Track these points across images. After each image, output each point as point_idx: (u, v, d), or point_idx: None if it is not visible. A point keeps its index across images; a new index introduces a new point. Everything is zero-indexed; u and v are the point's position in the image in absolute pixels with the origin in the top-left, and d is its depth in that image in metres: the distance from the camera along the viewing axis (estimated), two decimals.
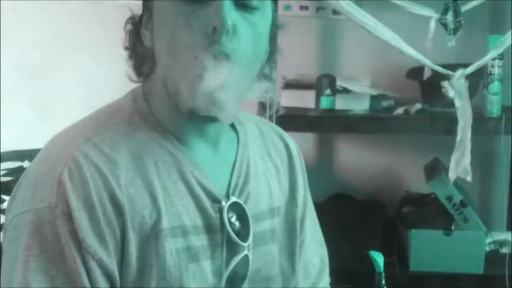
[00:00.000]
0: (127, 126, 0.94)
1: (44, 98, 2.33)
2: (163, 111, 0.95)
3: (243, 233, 0.98)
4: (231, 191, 0.99)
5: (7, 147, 2.15)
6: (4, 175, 2.08)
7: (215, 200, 0.96)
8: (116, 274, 0.88)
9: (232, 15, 0.89)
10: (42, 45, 2.32)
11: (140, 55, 0.98)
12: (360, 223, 2.19)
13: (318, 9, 2.29)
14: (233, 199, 0.98)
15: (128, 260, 0.89)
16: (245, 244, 0.97)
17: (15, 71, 2.33)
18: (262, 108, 1.96)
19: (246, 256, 0.98)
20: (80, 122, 0.98)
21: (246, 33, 0.91)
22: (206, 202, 0.96)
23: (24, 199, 0.90)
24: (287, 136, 1.17)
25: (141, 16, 0.98)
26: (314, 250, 1.17)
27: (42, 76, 2.33)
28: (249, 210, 1.00)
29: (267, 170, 1.07)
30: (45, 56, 2.32)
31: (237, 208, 0.98)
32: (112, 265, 0.87)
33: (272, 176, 1.08)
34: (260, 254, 1.01)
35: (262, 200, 1.04)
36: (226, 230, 0.96)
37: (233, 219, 0.97)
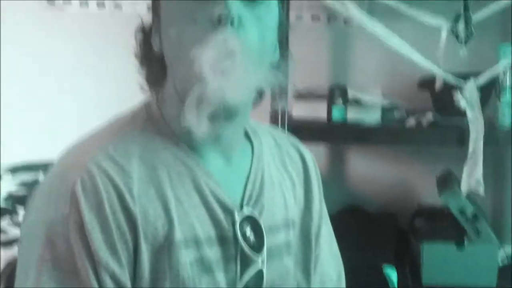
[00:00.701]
0: (140, 135, 0.94)
1: (59, 109, 2.35)
2: (176, 120, 0.94)
3: (257, 245, 0.97)
4: (245, 202, 0.98)
5: (22, 159, 2.18)
6: (19, 187, 2.10)
7: (228, 211, 0.96)
8: (128, 286, 0.87)
9: (237, 4, 0.89)
10: (54, 55, 2.34)
11: (151, 63, 0.98)
12: (372, 235, 2.18)
13: (330, 19, 2.30)
14: (247, 210, 0.98)
15: (141, 272, 0.88)
16: (259, 257, 0.97)
17: (30, 81, 2.35)
18: (274, 118, 1.96)
19: (260, 269, 0.97)
20: (93, 132, 0.98)
21: (252, 24, 0.91)
22: (220, 213, 0.95)
23: (38, 211, 0.90)
24: (303, 147, 1.16)
25: (151, 25, 0.99)
26: (331, 264, 1.16)
27: (55, 86, 2.35)
28: (263, 222, 0.99)
29: (282, 181, 1.07)
30: (57, 66, 2.35)
31: (251, 220, 0.98)
32: (125, 277, 0.87)
33: (287, 188, 1.07)
34: (275, 267, 1.00)
35: (277, 212, 1.03)
36: (239, 242, 0.95)
37: (248, 232, 0.97)
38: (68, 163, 0.92)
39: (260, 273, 0.97)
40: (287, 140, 1.15)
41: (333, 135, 2.06)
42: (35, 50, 2.33)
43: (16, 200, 2.05)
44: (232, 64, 0.86)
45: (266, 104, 2.10)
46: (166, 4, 0.94)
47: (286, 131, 1.96)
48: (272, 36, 0.96)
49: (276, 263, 1.01)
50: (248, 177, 1.01)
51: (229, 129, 0.97)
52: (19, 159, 2.17)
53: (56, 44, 2.32)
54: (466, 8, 1.85)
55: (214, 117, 0.90)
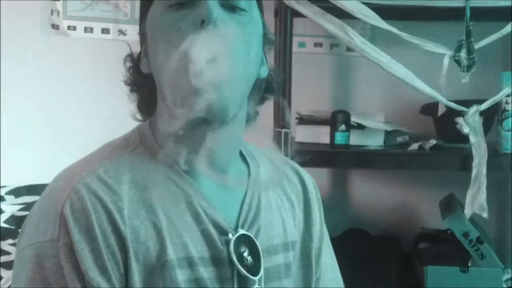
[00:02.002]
0: (132, 158, 0.95)
1: (62, 131, 2.36)
2: (169, 142, 0.95)
3: (255, 266, 0.97)
4: (240, 224, 0.98)
5: (24, 181, 2.19)
6: (22, 209, 2.10)
7: (222, 232, 0.96)
8: None
9: (219, 10, 0.91)
10: (58, 80, 2.35)
11: (142, 88, 0.99)
12: (375, 259, 2.18)
13: (332, 46, 2.31)
14: (241, 231, 0.97)
15: None
16: (256, 278, 0.96)
17: (32, 104, 2.36)
18: (277, 143, 1.97)
19: None
20: (87, 156, 0.99)
21: (236, 28, 0.91)
22: (214, 234, 0.95)
23: (28, 234, 0.90)
24: (302, 170, 1.16)
25: (139, 52, 1.00)
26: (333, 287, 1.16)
27: (59, 110, 2.36)
28: (260, 243, 0.99)
29: (280, 204, 1.07)
30: (62, 90, 2.36)
31: (248, 241, 0.97)
32: None
33: (286, 210, 1.07)
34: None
35: (275, 234, 1.03)
36: (234, 263, 0.95)
37: (245, 253, 0.96)
38: (58, 185, 0.91)
39: None
40: (286, 163, 1.15)
41: (335, 160, 2.06)
42: (39, 75, 2.34)
43: (19, 222, 2.05)
44: (218, 60, 0.87)
45: (269, 129, 2.13)
46: (151, 20, 0.95)
47: (289, 155, 1.96)
48: (257, 46, 0.97)
49: (275, 285, 1.00)
50: (244, 199, 1.01)
51: (220, 146, 0.96)
52: (21, 181, 2.18)
53: (60, 69, 2.33)
54: (468, 36, 1.85)
55: (203, 124, 0.91)
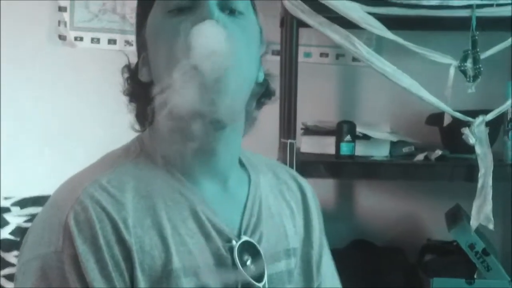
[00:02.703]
0: (134, 167, 0.94)
1: (69, 141, 2.36)
2: (170, 150, 0.95)
3: (258, 273, 0.97)
4: (242, 230, 0.98)
5: (30, 192, 2.19)
6: (27, 221, 2.10)
7: (226, 239, 0.95)
8: None
9: (220, 14, 0.92)
10: (66, 90, 2.36)
11: (140, 98, 0.99)
12: (381, 270, 2.17)
13: (338, 56, 2.32)
14: (245, 238, 0.97)
15: None
16: (260, 285, 0.96)
17: (39, 114, 2.37)
18: (283, 153, 1.97)
19: None
20: (88, 166, 0.98)
21: (236, 31, 0.92)
22: (218, 241, 0.95)
23: (31, 245, 0.89)
24: (301, 178, 1.17)
25: (137, 62, 1.01)
26: None
27: (65, 120, 2.37)
28: (263, 250, 0.99)
29: (281, 211, 1.07)
30: (69, 101, 2.37)
31: (251, 248, 0.97)
32: None
33: (287, 217, 1.08)
34: None
35: (277, 241, 1.03)
36: (239, 269, 0.95)
37: (248, 260, 0.96)
38: (61, 196, 0.91)
39: None
40: (285, 171, 1.15)
41: (341, 170, 2.05)
42: (47, 85, 2.35)
43: (24, 233, 2.05)
44: (223, 54, 0.87)
45: (275, 139, 2.13)
46: (151, 27, 0.96)
47: (295, 166, 1.96)
48: (257, 50, 0.98)
49: None
50: (245, 206, 1.01)
51: (221, 150, 0.97)
52: (27, 192, 2.18)
53: (68, 79, 2.34)
54: (474, 46, 1.85)
55: (204, 128, 0.91)
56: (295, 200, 1.11)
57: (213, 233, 0.94)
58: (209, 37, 0.87)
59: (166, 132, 0.93)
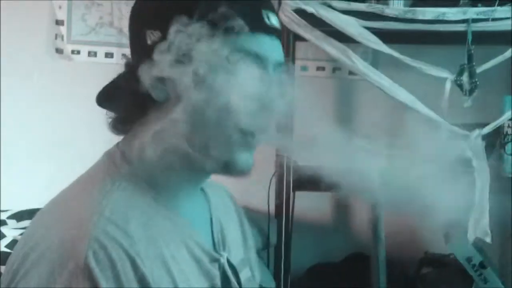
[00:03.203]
0: (124, 194, 0.90)
1: (64, 155, 2.36)
2: (155, 174, 0.93)
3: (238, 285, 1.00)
4: (216, 247, 1.00)
5: (26, 205, 2.19)
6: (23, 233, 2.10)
7: (214, 259, 0.96)
8: None
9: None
10: (62, 103, 2.36)
11: (136, 105, 0.92)
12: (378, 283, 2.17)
13: (335, 69, 2.32)
14: (224, 254, 0.99)
15: None
16: None
17: (36, 127, 2.37)
18: (280, 166, 1.97)
19: None
20: (71, 193, 0.93)
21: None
22: (207, 263, 0.95)
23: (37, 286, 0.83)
24: (221, 184, 1.16)
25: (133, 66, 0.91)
26: None
27: (62, 133, 2.37)
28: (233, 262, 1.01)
29: (229, 222, 1.09)
30: (65, 113, 2.37)
31: (229, 263, 0.99)
32: None
33: (232, 227, 1.09)
34: None
35: (236, 252, 1.05)
36: (232, 284, 0.97)
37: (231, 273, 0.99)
38: (67, 235, 0.85)
39: None
40: (216, 184, 1.13)
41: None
42: (43, 97, 2.36)
43: None
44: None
45: (272, 152, 2.12)
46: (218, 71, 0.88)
47: (291, 179, 1.96)
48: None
49: None
50: (211, 223, 1.02)
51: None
52: (23, 205, 2.18)
53: (64, 92, 2.35)
54: (470, 60, 1.86)
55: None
56: (232, 209, 1.13)
57: (203, 256, 0.95)
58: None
59: (157, 157, 0.90)
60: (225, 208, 1.10)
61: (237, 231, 1.11)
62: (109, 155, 0.96)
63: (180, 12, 0.87)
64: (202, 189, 1.04)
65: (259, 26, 0.89)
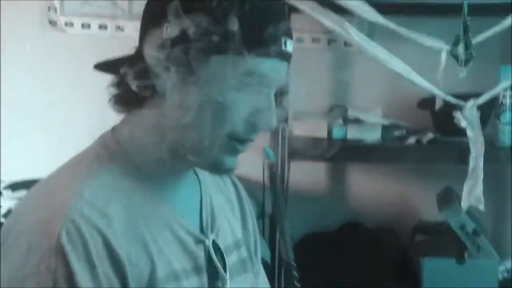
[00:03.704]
0: (109, 176, 0.93)
1: (59, 127, 2.36)
2: (146, 158, 0.95)
3: (223, 267, 1.02)
4: (204, 229, 1.02)
5: (22, 176, 2.19)
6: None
7: (199, 241, 0.99)
8: None
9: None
10: (56, 76, 2.35)
11: (138, 88, 0.92)
12: (372, 251, 2.20)
13: (330, 41, 2.31)
14: (211, 237, 1.01)
15: None
16: (228, 279, 1.01)
17: (31, 99, 2.36)
18: (275, 137, 1.98)
19: None
20: (58, 173, 0.96)
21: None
22: (192, 244, 0.97)
23: (14, 263, 0.86)
24: (234, 178, 1.20)
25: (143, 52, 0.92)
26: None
27: (56, 105, 2.36)
28: (220, 245, 1.03)
29: (224, 205, 1.10)
30: (59, 86, 2.36)
31: (214, 245, 1.01)
32: None
33: (228, 211, 1.11)
34: (237, 286, 1.04)
35: (227, 235, 1.06)
36: (216, 266, 0.99)
37: (216, 256, 1.01)
38: (44, 214, 0.87)
39: None
40: None
41: (333, 153, 2.07)
42: (37, 70, 2.34)
43: None
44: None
45: None
46: (212, 70, 0.89)
47: (287, 150, 1.97)
48: None
49: (235, 281, 1.04)
50: (201, 205, 1.04)
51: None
52: (19, 176, 2.18)
53: (60, 64, 2.33)
54: (465, 31, 1.86)
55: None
56: (231, 193, 1.15)
57: (187, 238, 0.97)
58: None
59: (149, 146, 0.94)
60: (221, 190, 1.12)
61: (234, 214, 1.12)
62: (102, 139, 0.98)
63: (204, 17, 0.87)
64: (195, 171, 1.06)
65: (274, 51, 0.90)
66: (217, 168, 0.96)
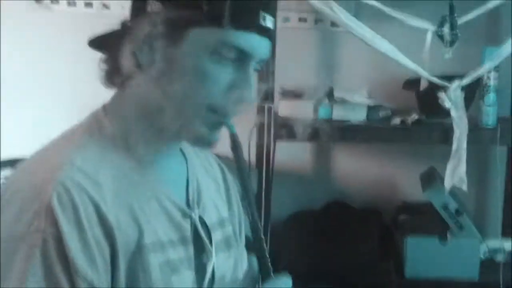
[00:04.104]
0: (99, 148, 0.96)
1: (46, 104, 2.35)
2: (134, 133, 0.97)
3: (209, 242, 1.04)
4: (190, 204, 1.04)
5: (20, 153, 2.18)
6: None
7: (186, 214, 1.01)
8: None
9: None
10: (44, 53, 2.34)
11: (124, 64, 0.96)
12: (356, 231, 2.21)
13: (317, 21, 2.31)
14: (198, 212, 1.03)
15: (118, 279, 0.90)
16: (213, 252, 1.03)
17: (24, 76, 2.35)
18: (261, 117, 1.98)
19: (213, 264, 1.04)
20: (51, 144, 0.98)
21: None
22: (178, 216, 1.00)
23: (6, 224, 0.88)
24: (214, 155, 1.22)
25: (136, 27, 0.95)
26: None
27: (48, 82, 2.35)
28: (206, 221, 1.05)
29: (209, 184, 1.13)
30: (48, 62, 2.34)
31: (201, 220, 1.04)
32: (103, 286, 0.88)
33: (214, 190, 1.14)
34: (220, 262, 1.06)
35: (212, 212, 1.09)
36: (203, 239, 1.02)
37: (203, 230, 1.03)
38: (37, 178, 0.90)
39: (213, 268, 1.04)
40: (206, 152, 1.19)
41: (319, 134, 2.07)
42: (24, 47, 2.32)
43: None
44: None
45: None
46: (192, 46, 0.92)
47: (272, 129, 1.98)
48: None
49: (220, 257, 1.07)
50: (187, 183, 1.07)
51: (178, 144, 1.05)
52: (17, 152, 2.17)
53: (44, 42, 2.32)
54: (451, 12, 1.87)
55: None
56: (217, 175, 1.18)
57: (174, 210, 0.99)
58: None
59: (135, 119, 0.97)
60: (207, 171, 1.15)
61: (220, 195, 1.15)
62: (93, 114, 1.01)
63: None
64: (181, 151, 1.09)
65: (251, 26, 0.93)
66: (199, 142, 0.97)
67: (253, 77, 0.95)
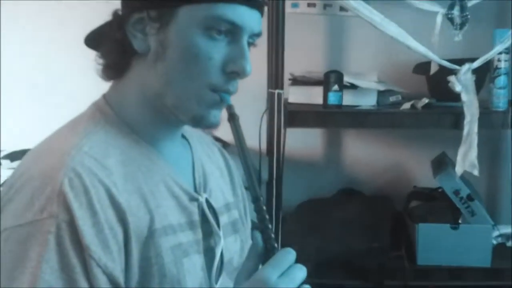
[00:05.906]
0: (105, 135, 0.96)
1: (53, 95, 2.36)
2: (137, 119, 0.99)
3: (217, 225, 1.05)
4: (197, 188, 1.05)
5: (16, 146, 2.19)
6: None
7: (193, 198, 1.02)
8: (120, 279, 0.89)
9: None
10: (51, 43, 2.34)
11: (120, 54, 0.98)
12: (368, 217, 2.21)
13: (326, 6, 2.30)
14: (204, 195, 1.04)
15: (131, 263, 0.90)
16: (221, 235, 1.04)
17: (25, 70, 2.35)
18: (271, 103, 1.98)
19: (222, 248, 1.04)
20: (57, 133, 0.99)
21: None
22: (186, 200, 1.00)
23: (17, 212, 0.88)
24: (217, 143, 1.24)
25: (127, 15, 0.97)
26: None
27: (52, 73, 2.36)
28: (213, 205, 1.06)
29: (213, 171, 1.13)
30: (55, 53, 2.35)
31: (207, 203, 1.04)
32: (117, 271, 0.88)
33: (218, 175, 1.14)
34: (228, 245, 1.07)
35: (218, 197, 1.10)
36: (210, 223, 1.02)
37: (210, 214, 1.03)
38: (48, 164, 0.90)
39: (222, 252, 1.05)
40: (205, 137, 1.21)
41: (329, 120, 2.07)
42: (30, 38, 2.33)
43: None
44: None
45: (263, 90, 2.13)
46: (185, 24, 0.93)
47: (283, 116, 1.97)
48: None
49: (227, 241, 1.07)
50: (193, 168, 1.08)
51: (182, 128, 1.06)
52: (17, 146, 2.18)
53: (52, 31, 2.32)
54: None
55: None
56: (220, 162, 1.19)
57: (181, 194, 1.00)
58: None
59: (136, 105, 0.98)
60: (210, 158, 1.16)
61: (224, 180, 1.16)
62: (95, 104, 1.02)
63: None
64: (184, 137, 1.10)
65: None
66: (200, 122, 0.97)
67: (247, 50, 0.95)
